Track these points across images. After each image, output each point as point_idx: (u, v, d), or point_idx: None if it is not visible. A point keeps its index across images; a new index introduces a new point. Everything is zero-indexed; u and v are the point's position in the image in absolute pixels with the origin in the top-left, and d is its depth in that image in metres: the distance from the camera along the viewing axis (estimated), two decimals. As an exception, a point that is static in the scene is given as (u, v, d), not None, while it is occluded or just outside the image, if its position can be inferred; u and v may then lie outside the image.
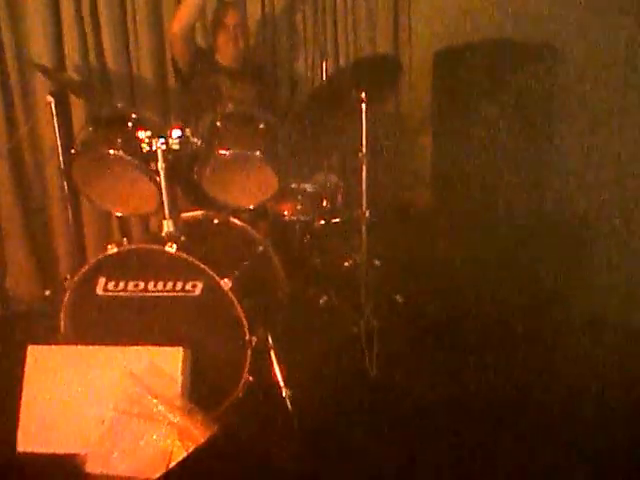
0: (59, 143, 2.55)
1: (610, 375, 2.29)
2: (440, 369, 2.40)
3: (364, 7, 3.31)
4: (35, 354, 2.01)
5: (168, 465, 1.78)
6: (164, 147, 2.04)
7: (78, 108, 2.98)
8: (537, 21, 3.08)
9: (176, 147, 2.08)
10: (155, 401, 1.88)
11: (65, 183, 2.61)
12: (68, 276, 2.10)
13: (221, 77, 2.84)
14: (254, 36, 3.24)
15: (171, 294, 2.01)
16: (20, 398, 1.95)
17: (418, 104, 3.42)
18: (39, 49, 2.91)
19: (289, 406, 2.07)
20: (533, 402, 2.18)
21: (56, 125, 2.53)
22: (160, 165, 2.05)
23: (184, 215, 2.43)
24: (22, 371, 1.98)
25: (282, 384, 2.10)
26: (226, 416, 1.99)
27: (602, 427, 2.01)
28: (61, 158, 2.56)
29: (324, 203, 2.69)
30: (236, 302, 1.95)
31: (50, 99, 2.51)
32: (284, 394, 2.09)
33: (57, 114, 2.53)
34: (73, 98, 2.94)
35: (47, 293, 2.86)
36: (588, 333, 2.61)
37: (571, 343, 2.57)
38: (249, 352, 1.99)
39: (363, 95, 2.37)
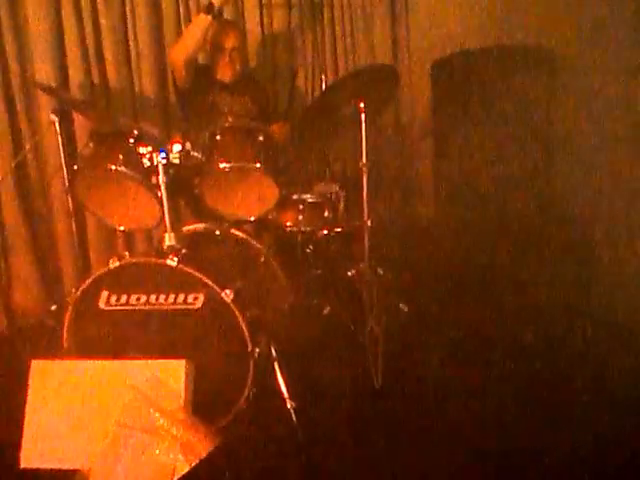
0: (63, 160, 2.57)
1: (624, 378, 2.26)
2: (446, 379, 2.39)
3: (362, 19, 3.33)
4: (39, 369, 2.01)
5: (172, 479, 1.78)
6: (165, 161, 2.05)
7: (81, 125, 3.01)
8: (536, 29, 3.09)
9: (177, 161, 2.10)
10: (158, 415, 1.87)
11: (69, 199, 2.63)
12: (73, 290, 2.11)
13: (221, 93, 2.86)
14: (254, 52, 3.26)
15: (173, 307, 2.01)
16: (23, 413, 1.95)
17: (418, 113, 3.43)
18: (43, 68, 2.96)
19: (293, 418, 2.06)
20: (543, 410, 2.16)
21: (60, 142, 2.56)
22: (161, 179, 2.06)
23: (185, 228, 2.45)
24: (26, 386, 1.99)
25: (286, 396, 2.10)
26: (229, 429, 1.99)
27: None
28: (65, 174, 2.58)
29: (326, 213, 2.68)
30: (238, 313, 1.95)
31: (54, 117, 2.53)
32: (288, 406, 2.08)
33: (61, 131, 2.55)
34: (76, 115, 2.98)
35: (53, 308, 2.87)
36: (599, 344, 2.57)
37: (579, 351, 2.54)
38: (252, 364, 1.99)
39: (362, 105, 2.38)
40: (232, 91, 2.88)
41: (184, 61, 2.67)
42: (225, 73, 2.87)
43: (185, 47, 2.66)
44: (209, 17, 2.57)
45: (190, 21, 3.13)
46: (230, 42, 2.81)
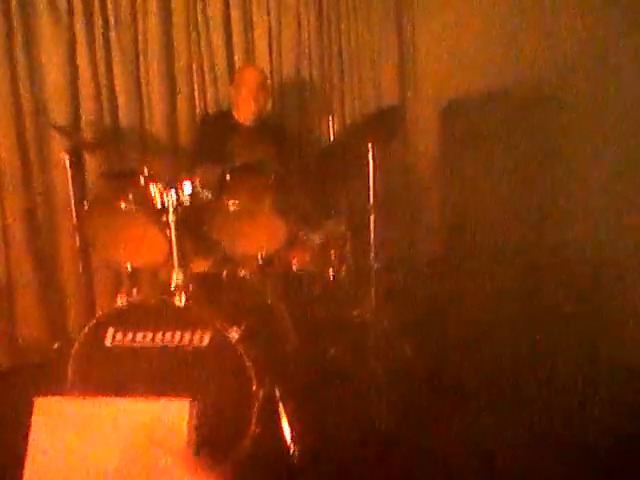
0: (72, 198, 2.60)
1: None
2: (449, 423, 2.35)
3: (369, 60, 3.41)
4: (42, 406, 1.99)
5: (173, 521, 1.75)
6: (175, 200, 2.08)
7: (91, 164, 3.05)
8: (542, 73, 3.15)
9: (187, 200, 2.12)
10: (161, 454, 1.85)
11: (77, 236, 2.65)
12: (80, 327, 2.12)
13: (235, 134, 2.90)
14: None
15: (179, 345, 2.01)
16: (25, 451, 1.93)
17: (425, 153, 3.47)
18: (56, 108, 3.01)
19: (296, 461, 2.04)
20: (553, 456, 2.13)
21: (70, 181, 2.59)
22: (171, 218, 2.09)
23: (193, 266, 2.46)
24: (28, 423, 1.97)
25: (289, 439, 2.07)
26: (232, 470, 1.96)
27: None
28: (74, 212, 2.60)
29: (332, 254, 2.70)
30: (243, 354, 1.95)
31: (65, 156, 2.58)
32: (291, 450, 2.06)
33: (71, 170, 2.59)
34: (87, 155, 3.03)
35: (56, 346, 2.87)
36: (613, 387, 2.55)
37: (588, 395, 2.50)
38: (256, 405, 1.97)
39: (370, 147, 2.42)
40: (251, 135, 2.93)
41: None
42: (244, 111, 2.92)
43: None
44: None
45: (202, 64, 3.23)
46: (253, 80, 2.89)
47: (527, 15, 3.19)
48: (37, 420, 1.98)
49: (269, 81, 3.13)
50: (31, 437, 1.95)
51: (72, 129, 3.00)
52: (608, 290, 3.01)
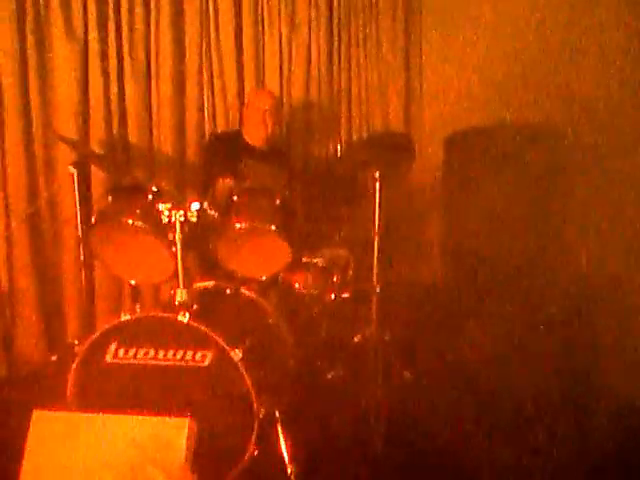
0: (78, 211, 2.62)
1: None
2: (448, 448, 2.35)
3: (377, 88, 3.46)
4: (40, 419, 1.99)
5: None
6: (183, 219, 2.10)
7: (98, 178, 3.07)
8: (546, 106, 3.19)
9: (194, 219, 2.13)
10: (157, 472, 1.84)
11: (81, 250, 2.66)
12: (76, 342, 2.12)
13: (244, 155, 2.92)
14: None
15: (181, 363, 2.02)
16: (21, 463, 1.92)
17: (428, 182, 3.50)
18: (65, 120, 3.05)
19: (293, 482, 2.03)
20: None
21: (77, 195, 2.61)
22: (177, 236, 2.10)
23: (197, 285, 2.47)
24: (25, 434, 1.95)
25: (287, 460, 2.07)
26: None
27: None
28: (79, 226, 2.62)
29: (334, 277, 2.71)
30: (245, 373, 1.95)
31: (72, 170, 2.59)
32: (289, 470, 2.05)
33: (78, 184, 2.61)
34: (94, 169, 3.05)
35: (54, 358, 2.86)
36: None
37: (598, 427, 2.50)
38: (256, 424, 1.97)
39: (377, 174, 2.44)
40: (260, 157, 2.94)
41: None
42: (255, 134, 2.93)
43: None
44: None
45: (212, 84, 3.25)
46: (265, 103, 2.92)
47: (535, 46, 3.24)
48: (34, 432, 1.97)
49: (281, 105, 3.16)
50: (27, 449, 1.95)
51: (80, 141, 3.03)
52: (614, 317, 3.01)
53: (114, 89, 3.09)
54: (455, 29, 3.38)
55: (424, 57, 3.49)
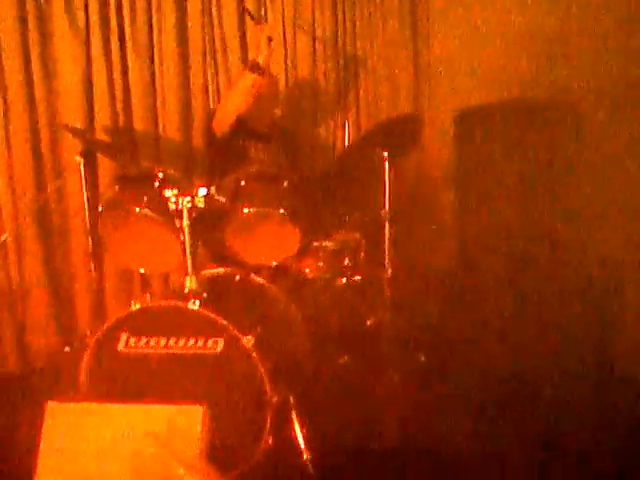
0: (86, 201, 2.60)
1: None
2: (465, 430, 2.33)
3: (385, 69, 3.40)
4: (54, 410, 1.98)
5: (185, 529, 1.72)
6: (190, 205, 2.07)
7: (105, 167, 3.06)
8: (560, 81, 3.11)
9: (201, 205, 2.10)
10: (174, 462, 1.83)
11: (90, 240, 2.64)
12: (89, 332, 2.10)
13: (253, 141, 2.87)
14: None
15: (193, 351, 2.00)
16: (37, 455, 1.91)
17: (440, 163, 3.44)
18: (70, 110, 3.03)
19: (310, 469, 2.01)
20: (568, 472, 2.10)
21: (84, 184, 2.59)
22: (185, 223, 2.07)
23: (206, 272, 2.45)
24: (39, 427, 1.95)
25: (303, 447, 2.06)
26: (244, 477, 1.95)
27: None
28: (87, 216, 2.60)
29: (346, 261, 2.67)
30: (258, 360, 1.93)
31: (79, 159, 2.58)
32: (305, 457, 2.04)
33: (85, 173, 2.59)
34: (100, 157, 3.03)
35: (67, 349, 2.86)
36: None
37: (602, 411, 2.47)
38: (270, 412, 1.95)
39: (385, 154, 2.40)
40: (264, 139, 2.89)
41: (234, 119, 2.66)
42: (258, 119, 2.88)
43: (235, 107, 2.64)
44: (254, 75, 2.55)
45: (217, 69, 3.20)
46: (266, 89, 2.86)
47: (545, 25, 3.15)
48: (48, 424, 1.97)
49: (279, 87, 3.10)
50: (42, 441, 1.94)
51: (86, 130, 3.00)
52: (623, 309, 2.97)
53: (118, 76, 3.06)
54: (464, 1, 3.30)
55: (432, 35, 3.41)
